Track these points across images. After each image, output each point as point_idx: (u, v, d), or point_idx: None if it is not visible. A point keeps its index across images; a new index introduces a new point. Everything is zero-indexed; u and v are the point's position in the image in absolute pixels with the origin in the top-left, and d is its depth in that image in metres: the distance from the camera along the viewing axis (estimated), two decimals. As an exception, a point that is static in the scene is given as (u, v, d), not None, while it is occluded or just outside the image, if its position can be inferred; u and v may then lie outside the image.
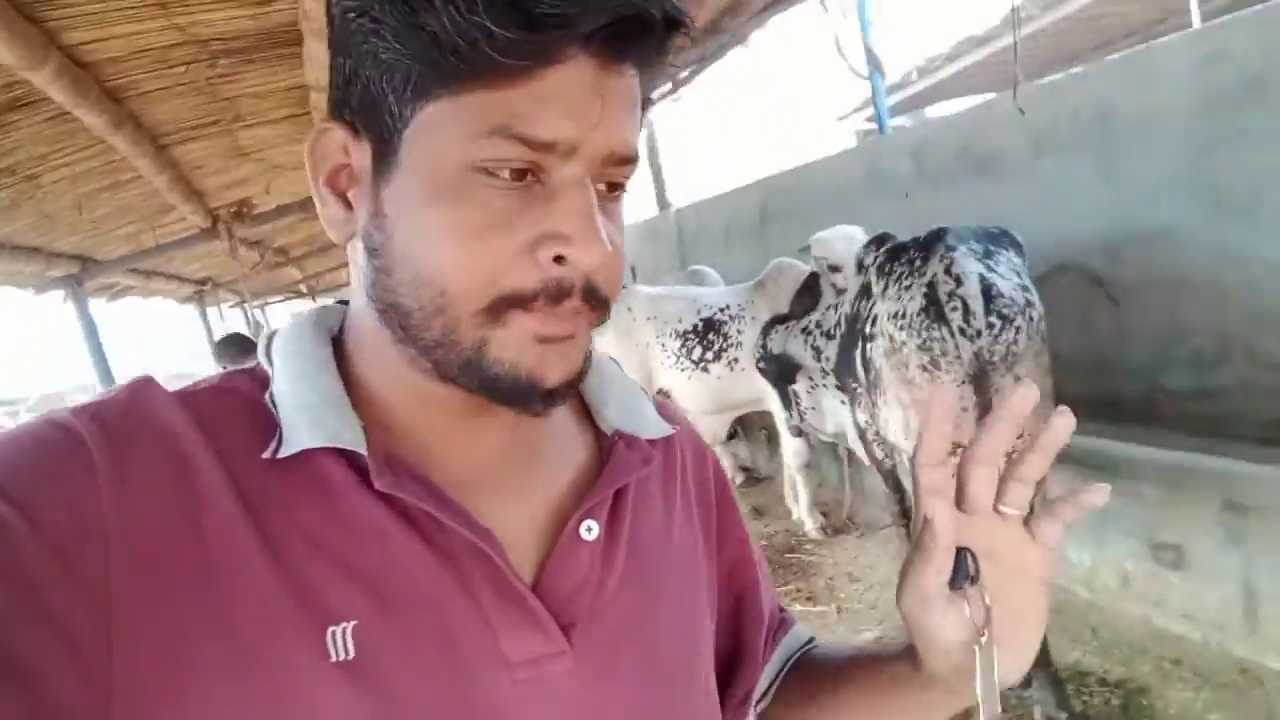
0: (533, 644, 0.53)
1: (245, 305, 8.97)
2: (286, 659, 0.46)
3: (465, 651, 0.51)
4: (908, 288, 2.32)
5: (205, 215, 3.74)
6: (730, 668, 0.72)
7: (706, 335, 4.39)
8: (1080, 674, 2.70)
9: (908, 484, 2.95)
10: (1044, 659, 2.41)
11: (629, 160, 0.52)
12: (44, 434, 0.47)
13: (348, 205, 0.53)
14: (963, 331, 2.14)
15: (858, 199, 4.66)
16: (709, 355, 4.37)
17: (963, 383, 2.17)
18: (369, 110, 0.50)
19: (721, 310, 4.40)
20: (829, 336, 3.30)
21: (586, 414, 0.66)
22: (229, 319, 8.18)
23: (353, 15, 0.48)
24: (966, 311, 2.13)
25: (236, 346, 3.99)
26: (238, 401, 0.54)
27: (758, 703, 0.74)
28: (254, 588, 0.47)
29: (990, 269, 2.20)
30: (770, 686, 0.75)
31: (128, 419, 0.49)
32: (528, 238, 0.49)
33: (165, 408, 0.51)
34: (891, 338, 2.38)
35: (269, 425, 0.52)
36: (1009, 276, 2.20)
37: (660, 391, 4.51)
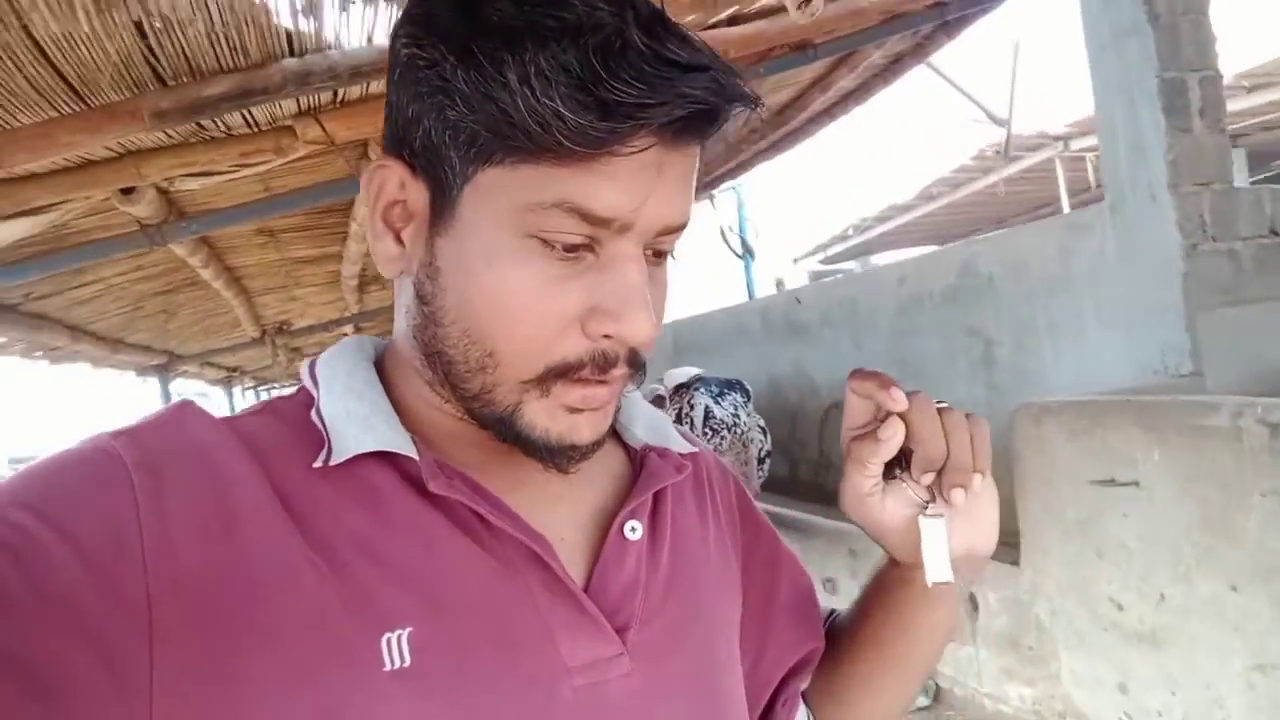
0: (591, 648, 0.52)
1: (256, 389, 10.98)
2: (340, 668, 0.45)
3: (525, 657, 0.50)
4: (675, 408, 4.03)
5: (257, 328, 5.50)
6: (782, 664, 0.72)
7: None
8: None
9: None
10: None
11: (681, 228, 0.52)
12: (83, 457, 0.47)
13: (400, 241, 0.53)
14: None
15: (731, 342, 6.38)
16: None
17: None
18: (430, 158, 0.49)
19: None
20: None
21: (615, 433, 0.66)
22: (248, 396, 10.20)
23: (421, 64, 0.48)
24: (691, 425, 3.83)
25: None
26: (282, 420, 0.54)
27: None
28: (303, 598, 0.45)
29: (716, 402, 3.91)
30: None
31: (168, 440, 0.49)
32: (578, 309, 0.48)
33: (206, 427, 0.50)
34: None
35: (316, 439, 0.51)
36: (726, 407, 3.91)
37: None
